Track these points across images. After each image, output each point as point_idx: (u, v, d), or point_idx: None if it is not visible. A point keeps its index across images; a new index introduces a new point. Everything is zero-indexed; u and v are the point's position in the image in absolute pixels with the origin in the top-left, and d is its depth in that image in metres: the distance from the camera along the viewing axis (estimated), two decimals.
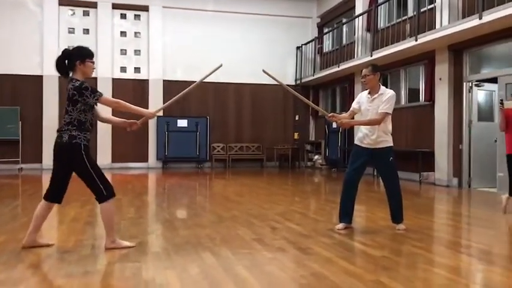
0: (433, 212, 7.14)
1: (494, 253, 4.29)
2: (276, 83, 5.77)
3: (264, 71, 5.38)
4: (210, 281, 3.24)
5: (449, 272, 3.53)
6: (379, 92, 5.07)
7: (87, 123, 4.10)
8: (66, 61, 4.14)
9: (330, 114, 5.25)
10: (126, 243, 4.21)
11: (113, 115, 4.44)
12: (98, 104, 4.11)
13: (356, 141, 5.24)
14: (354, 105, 5.30)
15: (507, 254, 4.11)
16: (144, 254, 4.00)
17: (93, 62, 4.25)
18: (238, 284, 3.16)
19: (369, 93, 5.15)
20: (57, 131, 4.11)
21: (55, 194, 4.24)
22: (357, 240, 4.75)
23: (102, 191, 4.07)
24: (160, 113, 15.22)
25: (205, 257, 3.88)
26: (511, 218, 6.40)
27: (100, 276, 3.35)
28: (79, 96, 3.98)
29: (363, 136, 5.13)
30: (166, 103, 5.15)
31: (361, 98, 5.24)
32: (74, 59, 4.12)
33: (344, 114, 5.42)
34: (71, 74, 4.16)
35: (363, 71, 5.20)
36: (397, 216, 5.17)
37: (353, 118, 5.32)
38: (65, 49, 4.27)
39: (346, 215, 5.18)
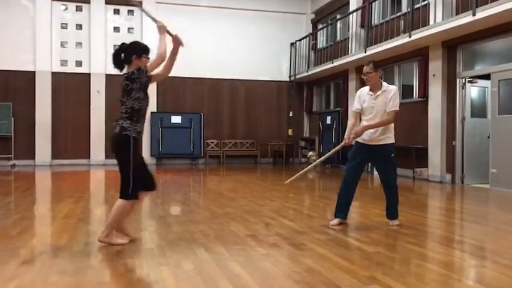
0: (426, 208, 7.17)
1: (486, 248, 4.32)
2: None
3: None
4: (204, 277, 3.24)
5: (442, 268, 3.55)
6: (382, 89, 5.02)
7: (137, 110, 4.07)
8: (123, 55, 4.18)
9: (345, 142, 5.09)
10: (119, 240, 4.16)
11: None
12: (150, 77, 4.11)
13: (357, 138, 5.16)
14: (357, 105, 5.17)
15: (499, 250, 4.14)
16: (137, 251, 3.99)
17: (148, 58, 4.24)
18: (232, 280, 3.15)
19: (371, 90, 5.08)
20: (115, 122, 4.16)
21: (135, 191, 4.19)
22: (351, 236, 4.77)
23: (129, 189, 4.03)
24: (154, 109, 15.21)
25: (199, 253, 3.87)
26: (503, 213, 6.44)
27: (93, 272, 3.34)
28: (132, 83, 4.02)
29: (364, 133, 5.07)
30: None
31: (363, 96, 5.14)
32: (131, 53, 4.16)
33: (349, 123, 5.23)
34: (125, 68, 4.18)
35: (364, 68, 5.11)
36: (392, 212, 5.19)
37: (360, 120, 5.24)
38: (122, 43, 4.32)
39: (341, 210, 5.19)
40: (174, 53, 4.42)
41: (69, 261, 3.61)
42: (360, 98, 5.16)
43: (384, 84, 5.09)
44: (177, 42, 4.44)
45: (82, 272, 3.33)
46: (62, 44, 14.90)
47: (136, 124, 4.07)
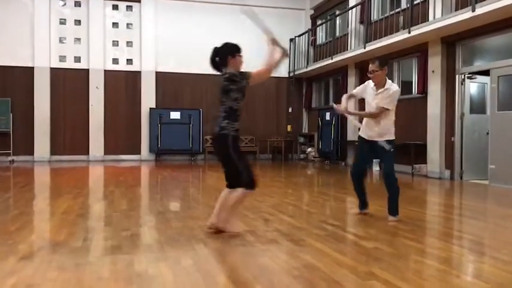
0: (425, 204, 7.18)
1: (485, 244, 4.32)
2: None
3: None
4: (203, 272, 3.24)
5: (440, 263, 3.56)
6: (385, 87, 5.10)
7: (238, 111, 4.26)
8: (217, 58, 4.36)
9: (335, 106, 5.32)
10: (235, 229, 4.35)
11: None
12: (250, 82, 4.25)
13: (360, 133, 5.38)
14: (357, 90, 5.51)
15: (498, 245, 4.14)
16: (136, 246, 3.99)
17: (241, 56, 4.43)
18: (230, 276, 3.16)
19: (375, 85, 5.17)
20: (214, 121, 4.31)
21: (228, 182, 4.38)
22: (350, 231, 4.77)
23: (245, 180, 4.18)
24: (153, 105, 15.19)
25: (198, 249, 3.88)
26: (501, 209, 6.45)
27: (92, 268, 3.34)
28: (231, 84, 4.18)
29: (367, 128, 5.25)
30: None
31: (368, 89, 5.29)
32: (225, 55, 4.33)
33: (343, 98, 5.51)
34: (223, 70, 4.33)
35: (370, 66, 5.15)
36: (390, 208, 5.22)
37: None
38: (215, 47, 4.47)
39: (359, 203, 5.53)
40: (277, 63, 4.57)
41: (68, 257, 3.61)
42: (366, 88, 5.32)
43: (388, 82, 5.16)
44: (283, 54, 4.62)
45: (81, 268, 3.33)
46: (61, 40, 14.87)
47: (234, 123, 4.24)
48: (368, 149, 5.28)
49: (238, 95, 4.22)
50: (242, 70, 4.26)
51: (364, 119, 5.34)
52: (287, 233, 4.49)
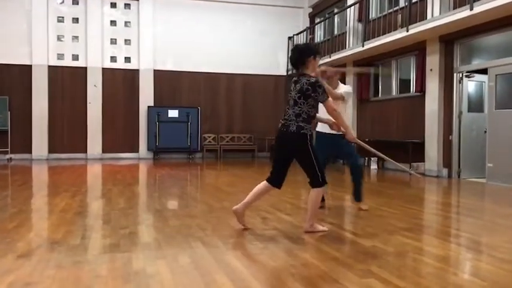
0: (422, 202, 7.19)
1: (482, 242, 4.33)
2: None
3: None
4: (201, 270, 3.25)
5: (438, 261, 3.57)
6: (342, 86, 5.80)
7: (312, 116, 4.39)
8: (298, 56, 4.41)
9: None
10: (322, 228, 4.50)
11: None
12: (324, 104, 4.36)
13: (318, 129, 5.72)
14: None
15: (495, 243, 4.16)
16: (134, 244, 3.99)
17: (320, 58, 4.64)
18: (228, 274, 3.16)
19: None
20: (283, 120, 4.41)
21: (276, 179, 4.55)
22: (347, 230, 4.79)
23: (319, 177, 4.33)
24: (151, 103, 15.20)
25: (196, 247, 3.88)
26: (499, 207, 6.46)
27: (90, 266, 3.34)
28: (312, 92, 4.25)
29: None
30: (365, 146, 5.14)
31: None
32: (307, 55, 4.37)
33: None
34: (300, 69, 4.41)
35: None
36: (355, 194, 5.75)
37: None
38: (296, 45, 4.63)
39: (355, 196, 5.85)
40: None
41: (66, 254, 3.61)
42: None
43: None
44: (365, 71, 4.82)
45: (79, 266, 3.33)
46: (59, 38, 14.85)
47: (309, 124, 4.36)
48: (328, 144, 5.60)
49: (315, 103, 4.35)
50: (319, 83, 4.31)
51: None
52: (285, 231, 4.50)
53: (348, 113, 5.68)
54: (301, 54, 4.38)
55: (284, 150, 4.45)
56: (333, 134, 5.38)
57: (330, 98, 4.36)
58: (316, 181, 4.35)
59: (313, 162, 4.32)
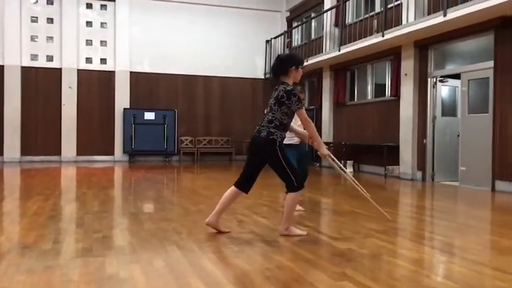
0: (397, 205, 7.28)
1: (455, 245, 4.40)
2: None
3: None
4: (175, 274, 3.21)
5: (412, 264, 3.61)
6: None
7: (285, 124, 4.38)
8: (281, 65, 4.45)
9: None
10: (299, 231, 4.49)
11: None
12: (297, 113, 4.35)
13: (290, 142, 5.70)
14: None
15: (467, 246, 4.23)
16: (108, 248, 3.93)
17: (303, 68, 4.59)
18: (203, 278, 3.14)
19: None
20: (258, 125, 4.48)
21: (244, 183, 4.49)
22: (323, 233, 4.80)
23: (293, 182, 4.31)
24: (127, 105, 15.04)
25: (170, 251, 3.84)
26: (471, 210, 6.58)
27: (62, 271, 3.27)
28: (286, 100, 4.27)
29: (291, 135, 5.67)
30: (337, 163, 5.08)
31: None
32: (289, 64, 4.42)
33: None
34: (281, 78, 4.44)
35: (302, 95, 5.59)
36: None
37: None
38: (279, 55, 4.73)
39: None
40: (310, 138, 4.79)
41: (37, 259, 3.53)
42: None
43: None
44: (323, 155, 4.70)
45: (50, 271, 3.26)
46: (32, 38, 14.58)
47: (282, 132, 4.38)
48: (295, 153, 5.70)
49: (288, 111, 4.33)
50: (294, 92, 4.31)
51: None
52: (261, 235, 4.50)
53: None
54: (283, 63, 4.43)
55: (254, 155, 4.46)
56: (298, 144, 5.77)
57: (303, 110, 4.34)
58: (291, 186, 4.34)
59: (285, 167, 4.30)
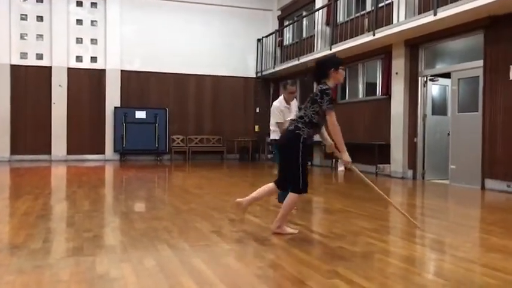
0: (388, 203, 7.29)
1: (445, 243, 4.43)
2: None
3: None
4: (166, 273, 3.20)
5: (402, 262, 3.62)
6: (294, 101, 6.23)
7: (314, 123, 4.30)
8: (320, 69, 4.41)
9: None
10: (290, 230, 4.47)
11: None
12: (326, 113, 4.23)
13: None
14: (282, 115, 6.04)
15: (457, 243, 4.26)
16: (98, 248, 3.91)
17: (343, 70, 4.50)
18: (194, 276, 3.13)
19: (287, 103, 6.09)
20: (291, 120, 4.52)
21: (279, 180, 4.51)
22: (314, 231, 4.81)
23: (300, 184, 4.28)
24: (118, 104, 14.96)
25: (161, 250, 3.83)
26: (461, 208, 6.63)
27: (52, 270, 3.24)
28: (319, 98, 4.21)
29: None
30: (361, 174, 4.93)
31: (282, 108, 6.08)
32: (329, 67, 4.36)
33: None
34: (322, 81, 4.37)
35: (293, 88, 6.20)
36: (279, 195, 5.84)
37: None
38: (318, 59, 4.70)
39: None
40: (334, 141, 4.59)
41: (26, 259, 3.50)
42: (282, 111, 6.05)
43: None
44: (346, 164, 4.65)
45: (40, 270, 3.23)
46: (22, 36, 14.46)
47: (310, 130, 4.30)
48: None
49: (320, 111, 4.26)
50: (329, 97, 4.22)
51: (280, 125, 5.98)
52: (252, 233, 4.50)
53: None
54: (322, 67, 4.40)
55: (281, 149, 4.48)
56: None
57: (333, 112, 4.22)
58: (296, 187, 4.30)
59: (298, 165, 4.27)
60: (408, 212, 6.26)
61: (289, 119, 5.95)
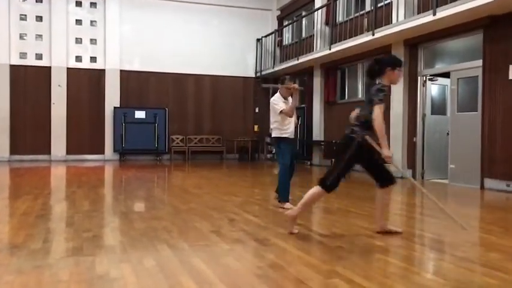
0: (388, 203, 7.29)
1: (445, 242, 4.43)
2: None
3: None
4: (166, 273, 3.20)
5: (402, 261, 3.63)
6: (290, 98, 6.26)
7: (371, 123, 4.18)
8: (377, 67, 4.36)
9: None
10: (295, 230, 4.43)
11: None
12: (373, 104, 4.16)
13: (288, 136, 6.08)
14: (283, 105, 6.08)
15: (456, 243, 4.26)
16: (98, 248, 3.91)
17: (401, 71, 4.44)
18: (194, 276, 3.13)
19: (285, 98, 6.14)
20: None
21: (380, 179, 4.49)
22: (314, 231, 4.82)
23: (328, 179, 4.26)
24: (117, 104, 14.96)
25: (161, 250, 3.83)
26: (460, 208, 6.63)
27: (51, 270, 3.24)
28: (375, 95, 4.18)
29: (291, 129, 6.13)
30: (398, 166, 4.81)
31: (281, 102, 6.10)
32: (385, 66, 4.33)
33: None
34: (377, 79, 4.33)
35: (296, 85, 6.27)
36: (280, 195, 6.08)
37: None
38: (376, 57, 4.57)
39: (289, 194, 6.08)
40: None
41: (26, 259, 3.50)
42: (280, 102, 6.10)
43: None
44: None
45: (40, 270, 3.23)
46: (21, 36, 14.45)
47: (366, 131, 4.23)
48: (292, 147, 6.24)
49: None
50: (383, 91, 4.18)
51: (291, 124, 6.11)
52: (252, 233, 4.50)
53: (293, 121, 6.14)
54: (379, 64, 4.36)
55: (338, 151, 4.46)
56: (293, 138, 6.19)
57: (381, 106, 4.13)
58: (326, 181, 4.26)
59: (344, 161, 4.26)
60: (407, 211, 6.28)
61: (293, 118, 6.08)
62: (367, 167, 4.44)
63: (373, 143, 4.24)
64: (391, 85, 4.51)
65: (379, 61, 4.40)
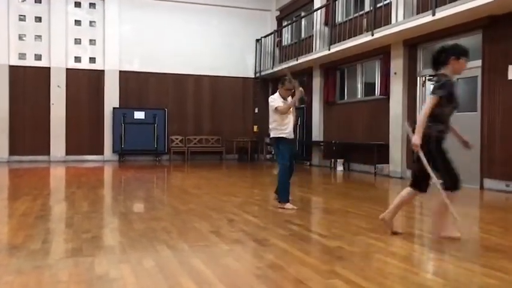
0: (387, 203, 7.29)
1: (444, 242, 4.43)
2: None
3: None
4: (165, 274, 3.20)
5: (401, 262, 3.63)
6: (290, 98, 6.23)
7: (440, 116, 4.22)
8: (443, 55, 4.25)
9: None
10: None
11: None
12: (432, 96, 4.15)
13: (287, 136, 6.08)
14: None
15: (455, 243, 4.26)
16: (97, 248, 3.91)
17: (466, 61, 4.29)
18: (193, 277, 3.13)
19: (284, 98, 6.15)
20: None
21: (417, 183, 4.46)
22: (313, 231, 4.82)
23: (448, 181, 4.31)
24: (117, 105, 14.96)
25: (160, 250, 3.83)
26: (460, 208, 6.62)
27: (51, 271, 3.24)
28: (432, 89, 4.14)
29: (291, 129, 6.15)
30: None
31: (277, 101, 6.13)
32: (450, 55, 4.21)
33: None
34: (441, 69, 4.24)
35: (290, 85, 6.19)
36: (279, 195, 6.09)
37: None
38: (442, 46, 4.42)
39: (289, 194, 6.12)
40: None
41: (25, 259, 3.50)
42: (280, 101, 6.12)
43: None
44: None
45: (39, 271, 3.23)
46: (20, 37, 14.44)
47: (438, 124, 4.23)
48: (292, 148, 6.29)
49: (442, 101, 4.16)
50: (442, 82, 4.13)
51: (289, 123, 6.12)
52: (251, 233, 4.50)
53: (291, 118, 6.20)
54: (444, 52, 4.24)
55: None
56: (293, 138, 6.23)
57: (436, 97, 4.10)
58: (447, 183, 4.30)
59: (440, 162, 4.29)
60: (406, 211, 6.27)
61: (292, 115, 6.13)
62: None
63: (409, 129, 4.28)
64: (451, 77, 4.26)
65: (445, 50, 4.28)
